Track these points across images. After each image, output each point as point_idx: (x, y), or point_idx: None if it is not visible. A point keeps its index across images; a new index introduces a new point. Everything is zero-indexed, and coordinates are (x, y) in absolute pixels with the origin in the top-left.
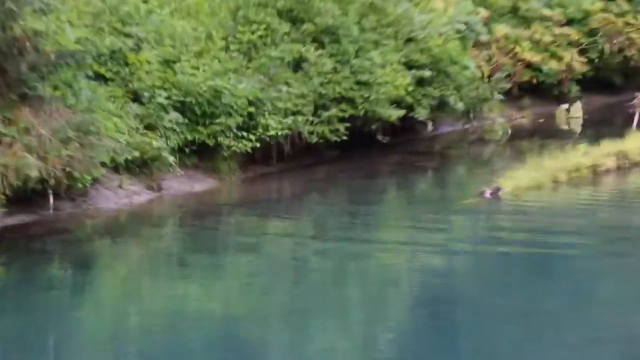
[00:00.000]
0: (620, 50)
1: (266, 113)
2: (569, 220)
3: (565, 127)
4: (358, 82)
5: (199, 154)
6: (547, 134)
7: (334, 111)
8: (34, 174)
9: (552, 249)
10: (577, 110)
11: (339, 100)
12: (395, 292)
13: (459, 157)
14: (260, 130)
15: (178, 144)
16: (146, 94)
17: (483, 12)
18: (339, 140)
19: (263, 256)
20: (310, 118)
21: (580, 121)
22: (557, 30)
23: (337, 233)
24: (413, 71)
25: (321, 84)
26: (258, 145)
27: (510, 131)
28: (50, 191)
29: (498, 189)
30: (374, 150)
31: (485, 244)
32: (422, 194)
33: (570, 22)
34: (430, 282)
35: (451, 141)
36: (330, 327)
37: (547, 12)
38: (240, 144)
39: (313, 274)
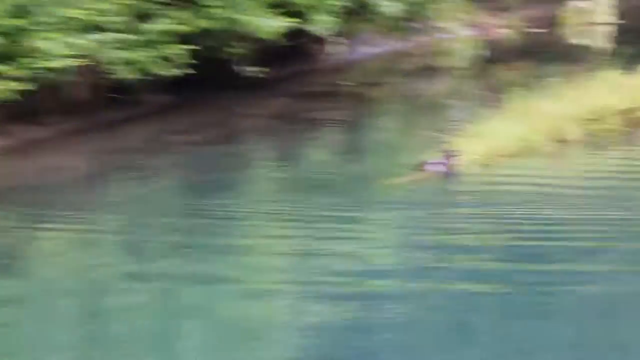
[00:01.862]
0: None
1: (41, 29)
2: (575, 221)
3: (582, 41)
4: None
5: None
6: (548, 56)
7: (163, 23)
8: None
9: (550, 279)
10: (602, 10)
11: (173, 3)
12: None
13: (387, 100)
14: (32, 59)
15: None
16: None
17: None
18: (174, 77)
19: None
20: (121, 36)
21: (609, 30)
22: None
23: (162, 264)
24: None
25: None
26: (31, 87)
27: (483, 52)
28: None
29: (451, 156)
30: (238, 92)
31: (425, 276)
32: (319, 170)
33: None
34: (318, 345)
35: (375, 72)
36: None
37: None
38: None
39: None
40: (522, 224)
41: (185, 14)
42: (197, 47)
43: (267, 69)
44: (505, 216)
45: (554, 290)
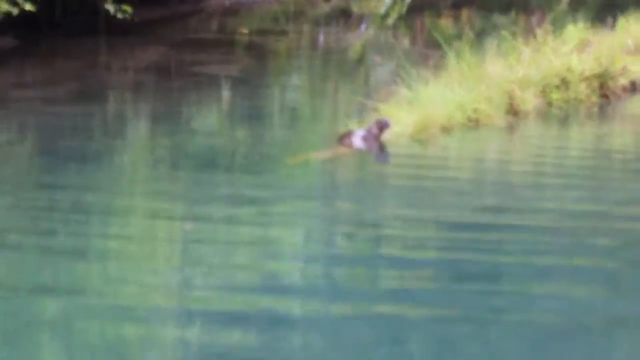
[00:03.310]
0: None
1: None
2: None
3: None
4: None
5: None
6: (495, 3)
7: None
8: None
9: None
10: None
11: None
12: None
13: (292, 53)
14: None
15: None
16: None
17: None
18: (17, 15)
19: None
20: None
21: None
22: None
23: None
24: None
25: None
26: None
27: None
28: None
29: (381, 126)
30: (102, 38)
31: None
32: (208, 141)
33: None
34: None
35: (276, 17)
36: None
37: None
38: None
39: None
40: (463, 226)
41: None
42: None
43: (137, 10)
44: (440, 217)
45: (502, 316)
